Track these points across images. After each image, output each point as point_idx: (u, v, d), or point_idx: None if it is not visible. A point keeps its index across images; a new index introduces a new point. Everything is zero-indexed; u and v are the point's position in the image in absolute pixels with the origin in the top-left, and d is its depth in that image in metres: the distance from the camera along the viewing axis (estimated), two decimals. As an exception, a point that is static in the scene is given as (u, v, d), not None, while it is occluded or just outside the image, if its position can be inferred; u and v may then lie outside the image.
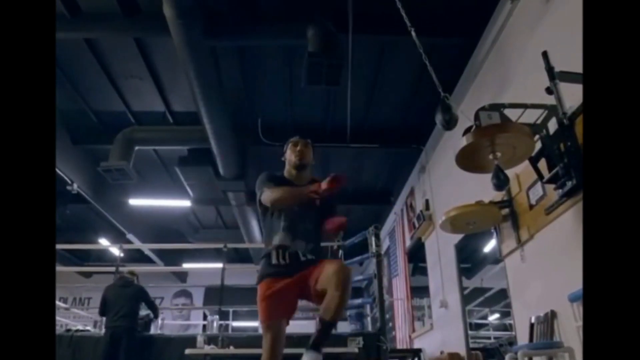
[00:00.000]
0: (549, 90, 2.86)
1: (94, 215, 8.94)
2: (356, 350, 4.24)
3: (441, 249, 5.87)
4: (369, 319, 8.27)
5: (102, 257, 11.12)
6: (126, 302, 4.86)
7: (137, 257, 10.41)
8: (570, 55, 2.61)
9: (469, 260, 5.67)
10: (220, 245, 6.45)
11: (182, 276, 12.80)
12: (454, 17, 4.67)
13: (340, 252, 5.79)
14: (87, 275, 11.34)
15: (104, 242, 9.54)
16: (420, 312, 7.14)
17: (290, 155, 2.47)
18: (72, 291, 11.55)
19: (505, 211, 3.98)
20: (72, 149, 6.77)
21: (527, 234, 3.66)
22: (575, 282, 2.61)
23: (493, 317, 6.59)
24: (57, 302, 8.70)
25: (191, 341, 4.50)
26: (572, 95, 2.76)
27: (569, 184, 2.81)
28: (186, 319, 12.45)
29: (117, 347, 4.59)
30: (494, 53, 4.46)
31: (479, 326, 6.43)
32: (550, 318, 3.24)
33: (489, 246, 5.05)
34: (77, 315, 9.86)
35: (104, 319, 5.02)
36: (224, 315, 8.97)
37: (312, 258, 2.27)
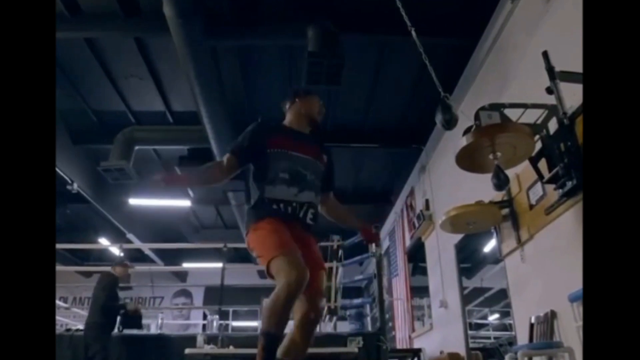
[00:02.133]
0: (549, 90, 2.85)
1: (94, 215, 8.94)
2: (356, 350, 4.23)
3: (441, 248, 5.87)
4: (368, 318, 8.26)
5: (102, 256, 11.13)
6: (91, 303, 4.70)
7: (137, 256, 10.41)
8: (570, 55, 2.60)
9: (469, 260, 5.67)
10: (220, 245, 6.45)
11: (182, 276, 12.81)
12: (454, 17, 4.67)
13: (340, 252, 5.78)
14: (87, 274, 11.34)
15: (104, 241, 9.54)
16: (420, 312, 7.14)
17: (311, 108, 2.32)
18: (72, 291, 11.54)
19: (505, 211, 3.98)
20: (72, 149, 6.78)
21: (527, 234, 3.66)
22: (575, 282, 2.61)
23: (493, 317, 6.59)
24: (57, 302, 8.69)
25: (191, 341, 4.49)
26: (573, 95, 2.76)
27: (569, 184, 2.80)
28: (186, 318, 12.46)
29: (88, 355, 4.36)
30: (494, 53, 4.46)
31: (478, 326, 6.42)
32: (550, 318, 3.24)
33: (489, 246, 5.04)
34: (77, 315, 9.85)
35: None
36: (223, 315, 8.95)
37: (311, 224, 2.10)
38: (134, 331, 4.97)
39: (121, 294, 5.14)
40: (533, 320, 3.45)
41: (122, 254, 6.71)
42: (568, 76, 2.78)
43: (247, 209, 2.14)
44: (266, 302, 1.79)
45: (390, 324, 7.96)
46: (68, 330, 5.35)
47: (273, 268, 1.81)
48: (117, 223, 8.69)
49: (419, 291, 7.03)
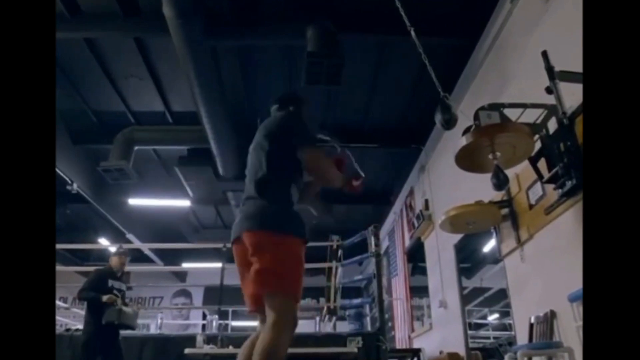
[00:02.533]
0: (548, 90, 2.85)
1: (94, 215, 8.94)
2: (355, 350, 4.23)
3: (440, 248, 5.87)
4: (368, 318, 8.26)
5: (102, 257, 11.11)
6: None
7: (136, 256, 10.40)
8: (570, 55, 2.61)
9: (468, 260, 5.67)
10: (220, 245, 6.45)
11: (182, 276, 12.80)
12: (454, 17, 4.67)
13: (340, 252, 5.78)
14: (87, 275, 11.33)
15: (103, 242, 9.54)
16: (420, 312, 7.14)
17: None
18: (72, 291, 11.43)
19: (505, 211, 3.98)
20: (72, 149, 6.78)
21: (526, 234, 3.67)
22: (575, 282, 2.61)
23: (492, 317, 6.59)
24: (57, 302, 8.69)
25: (190, 341, 4.48)
26: (572, 95, 2.76)
27: (569, 184, 2.80)
28: (185, 318, 12.45)
29: None
30: (493, 53, 4.46)
31: (478, 326, 6.43)
32: (549, 318, 3.25)
33: (489, 246, 5.05)
34: (77, 315, 9.85)
35: None
36: (223, 315, 8.96)
37: None
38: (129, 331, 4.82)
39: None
40: (533, 320, 3.45)
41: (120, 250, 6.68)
42: (568, 76, 2.78)
43: (282, 203, 1.87)
44: (258, 344, 1.68)
45: (389, 324, 7.96)
46: (68, 330, 5.35)
47: (281, 302, 1.73)
48: (117, 223, 8.69)
49: (419, 291, 7.04)
